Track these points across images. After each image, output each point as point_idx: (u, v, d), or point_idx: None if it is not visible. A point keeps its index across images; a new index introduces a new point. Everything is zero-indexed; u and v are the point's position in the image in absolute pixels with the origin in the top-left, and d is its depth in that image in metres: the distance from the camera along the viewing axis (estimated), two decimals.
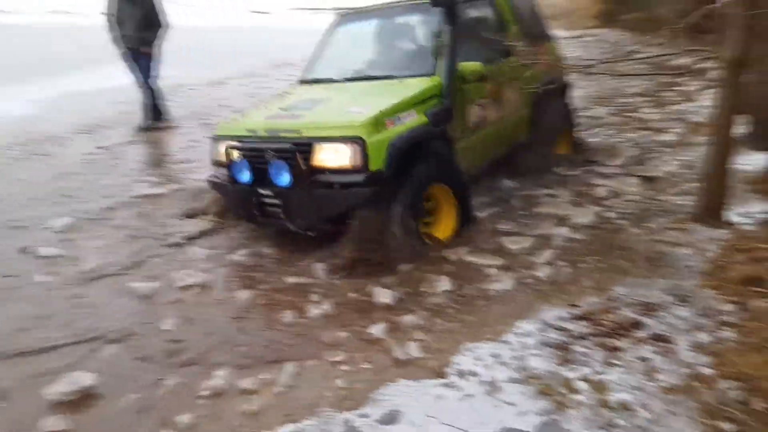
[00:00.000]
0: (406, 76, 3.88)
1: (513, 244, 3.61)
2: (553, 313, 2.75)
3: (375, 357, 2.58)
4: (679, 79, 8.32)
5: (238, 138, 3.62)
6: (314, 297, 3.15)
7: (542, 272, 3.24)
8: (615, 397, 2.15)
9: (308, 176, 3.26)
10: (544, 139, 4.81)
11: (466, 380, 2.32)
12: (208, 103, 8.20)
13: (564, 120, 5.23)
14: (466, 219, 3.77)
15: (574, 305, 2.81)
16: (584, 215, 3.96)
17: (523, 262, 3.38)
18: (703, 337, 2.46)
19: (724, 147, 3.64)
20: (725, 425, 1.96)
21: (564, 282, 3.12)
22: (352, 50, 4.64)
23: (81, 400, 2.41)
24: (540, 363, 2.38)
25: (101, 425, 2.29)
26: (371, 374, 2.45)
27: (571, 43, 10.99)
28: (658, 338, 2.50)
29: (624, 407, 2.09)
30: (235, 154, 3.51)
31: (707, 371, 2.24)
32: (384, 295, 3.06)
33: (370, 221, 3.27)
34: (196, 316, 3.05)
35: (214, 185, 3.87)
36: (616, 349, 2.45)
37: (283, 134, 3.42)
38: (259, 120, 3.72)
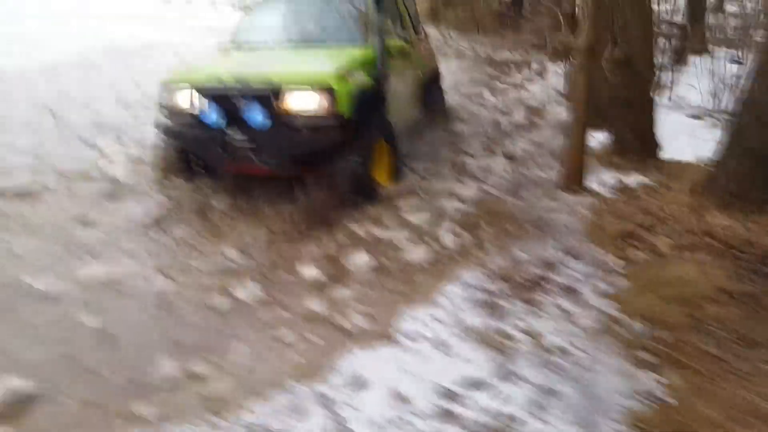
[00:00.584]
0: (344, 45, 4.34)
1: (414, 217, 3.74)
2: (471, 275, 2.93)
3: (323, 330, 2.52)
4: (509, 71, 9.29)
5: (202, 85, 3.79)
6: (239, 279, 2.96)
7: (448, 240, 3.42)
8: (548, 340, 2.38)
9: (281, 119, 3.60)
10: (430, 116, 5.52)
11: (416, 341, 2.38)
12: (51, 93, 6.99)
13: (440, 101, 6.04)
14: (397, 170, 4.29)
15: (486, 267, 3.02)
16: (468, 190, 4.24)
17: (429, 233, 3.52)
18: (601, 285, 2.82)
19: (581, 125, 4.18)
20: (643, 354, 2.28)
21: (470, 248, 3.32)
22: (282, 21, 5.00)
23: (21, 406, 2.00)
24: (474, 318, 2.54)
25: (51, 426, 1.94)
26: (325, 347, 2.40)
27: None
28: (565, 289, 2.80)
29: (559, 349, 2.32)
30: (204, 100, 3.73)
31: (615, 312, 2.58)
32: (312, 272, 2.99)
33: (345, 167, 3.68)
34: (118, 311, 2.67)
35: (173, 132, 3.97)
36: (533, 300, 2.70)
37: (254, 82, 3.66)
38: (221, 69, 3.91)
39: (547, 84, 8.78)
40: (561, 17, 4.43)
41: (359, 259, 3.13)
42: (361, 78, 3.96)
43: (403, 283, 2.93)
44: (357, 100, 3.76)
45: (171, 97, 3.92)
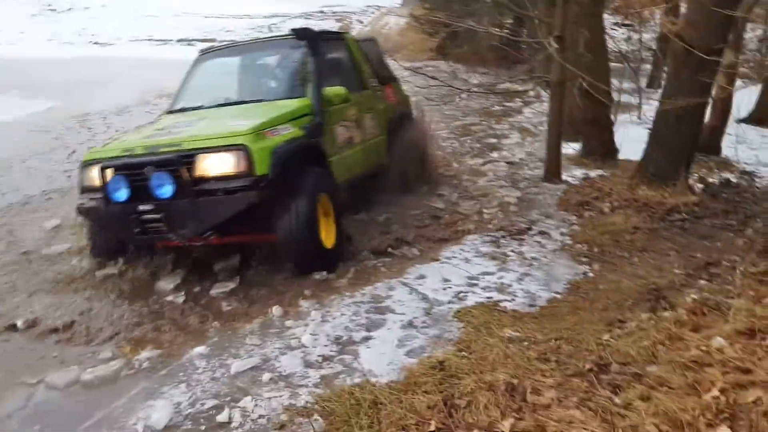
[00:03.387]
0: (277, 99, 4.15)
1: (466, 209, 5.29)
2: (482, 230, 4.55)
3: (398, 260, 4.12)
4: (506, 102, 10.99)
5: (113, 159, 3.53)
6: None
7: (465, 207, 5.02)
8: (528, 255, 3.98)
9: (192, 185, 3.29)
10: (400, 162, 5.15)
11: (451, 260, 3.97)
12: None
13: (416, 145, 5.46)
14: (340, 231, 3.92)
15: (491, 225, 4.64)
16: (481, 182, 5.90)
17: (455, 206, 5.14)
18: (563, 230, 4.43)
19: (556, 137, 5.83)
20: (582, 258, 3.88)
21: (481, 215, 4.94)
22: (219, 82, 4.73)
23: None
24: (484, 248, 4.14)
25: None
26: (400, 265, 3.96)
27: (412, 73, 12.55)
28: (540, 233, 4.41)
29: (534, 258, 3.93)
30: (110, 174, 3.45)
31: (569, 241, 4.19)
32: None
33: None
34: None
35: (85, 211, 3.71)
36: (520, 239, 4.30)
37: (163, 149, 3.41)
38: (135, 140, 3.72)
39: (543, 109, 10.46)
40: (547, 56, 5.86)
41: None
42: (289, 131, 3.69)
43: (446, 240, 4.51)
44: (282, 156, 3.46)
45: (85, 177, 3.66)
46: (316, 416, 2.26)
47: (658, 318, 2.71)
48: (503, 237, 4.37)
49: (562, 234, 4.35)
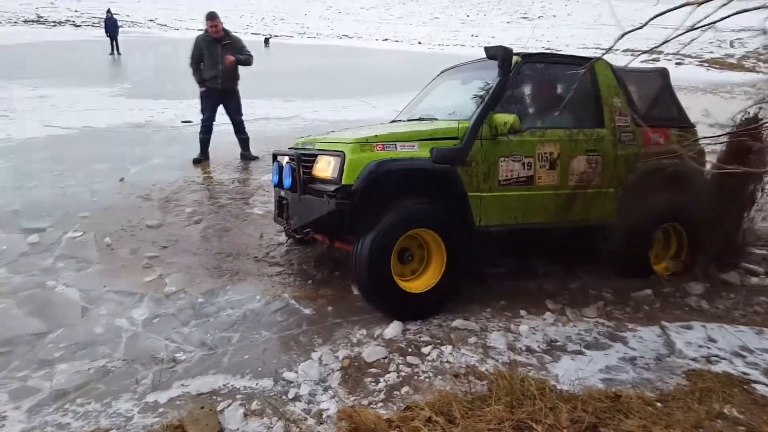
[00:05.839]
0: (450, 119, 3.80)
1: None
2: None
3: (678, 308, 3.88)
4: None
5: (276, 151, 4.19)
6: None
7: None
8: None
9: (302, 182, 3.50)
10: (635, 226, 3.99)
11: (739, 326, 3.48)
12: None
13: (671, 212, 4.18)
14: (451, 276, 3.41)
15: None
16: None
17: None
18: None
19: None
20: None
21: None
22: (431, 99, 4.56)
23: None
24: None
25: None
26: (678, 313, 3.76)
27: None
28: None
29: None
30: (276, 161, 4.03)
31: None
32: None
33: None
34: None
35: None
36: None
37: (307, 147, 3.75)
38: (312, 137, 4.03)
39: None
40: None
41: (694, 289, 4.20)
42: (410, 150, 3.37)
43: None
44: (376, 171, 3.22)
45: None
46: (484, 381, 2.72)
47: None
48: None
49: None
